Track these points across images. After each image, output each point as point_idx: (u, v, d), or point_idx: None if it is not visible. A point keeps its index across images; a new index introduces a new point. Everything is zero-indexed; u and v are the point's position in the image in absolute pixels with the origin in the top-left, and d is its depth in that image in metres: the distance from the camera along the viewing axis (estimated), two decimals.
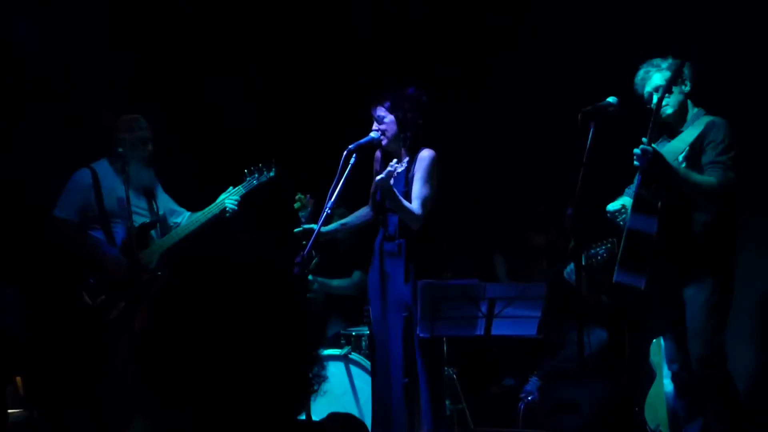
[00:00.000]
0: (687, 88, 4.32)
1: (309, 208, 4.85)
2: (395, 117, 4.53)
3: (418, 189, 4.49)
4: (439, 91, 4.66)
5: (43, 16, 5.52)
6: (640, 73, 4.36)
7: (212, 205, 4.98)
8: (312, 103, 6.42)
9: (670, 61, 4.30)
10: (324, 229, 4.56)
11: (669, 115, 4.33)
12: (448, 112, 5.59)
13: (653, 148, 4.04)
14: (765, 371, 5.34)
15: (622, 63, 4.61)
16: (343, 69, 6.43)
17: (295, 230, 4.59)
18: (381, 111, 4.56)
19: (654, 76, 4.31)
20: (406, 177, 4.52)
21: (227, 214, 4.94)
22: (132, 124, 4.96)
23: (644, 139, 4.07)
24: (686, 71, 4.30)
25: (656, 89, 4.28)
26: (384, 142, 4.57)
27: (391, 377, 4.50)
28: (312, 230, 4.48)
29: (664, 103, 4.25)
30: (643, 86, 4.34)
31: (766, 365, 5.35)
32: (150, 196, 5.04)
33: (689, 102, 4.36)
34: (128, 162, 4.83)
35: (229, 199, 4.96)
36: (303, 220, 4.79)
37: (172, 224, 5.10)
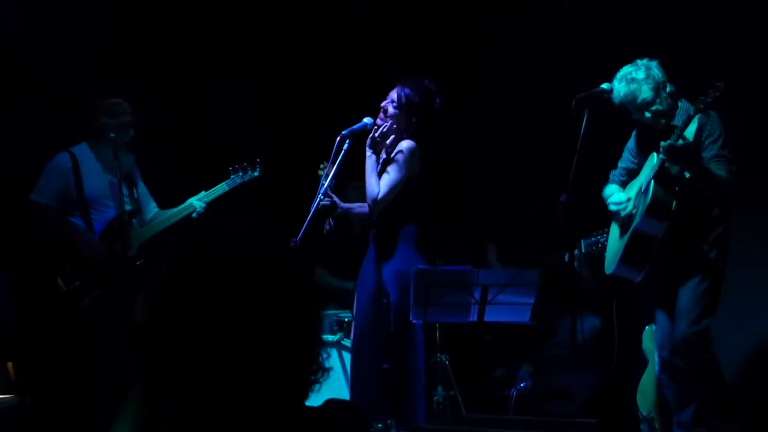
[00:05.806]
0: (669, 89, 4.28)
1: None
2: (399, 104, 4.48)
3: (386, 173, 4.44)
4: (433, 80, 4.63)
5: (37, 6, 5.46)
6: (623, 89, 4.25)
7: (191, 199, 4.90)
8: (305, 90, 6.39)
9: (643, 70, 4.24)
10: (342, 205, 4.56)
11: (663, 115, 4.29)
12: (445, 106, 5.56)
13: (684, 140, 4.00)
14: (752, 358, 5.36)
15: (617, 50, 4.59)
16: (338, 57, 6.40)
17: (320, 204, 4.42)
18: (395, 94, 4.51)
19: (642, 90, 4.23)
20: (385, 164, 4.50)
21: (194, 215, 4.84)
22: (114, 108, 4.84)
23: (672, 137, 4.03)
24: (660, 72, 4.25)
25: (647, 104, 4.25)
26: (380, 124, 4.52)
27: (371, 362, 4.41)
28: (336, 204, 4.49)
29: (654, 108, 4.24)
30: (633, 102, 4.27)
31: (754, 352, 5.37)
32: (131, 183, 4.92)
33: (675, 98, 4.32)
34: (120, 147, 4.77)
35: (198, 200, 4.86)
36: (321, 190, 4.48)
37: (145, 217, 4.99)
